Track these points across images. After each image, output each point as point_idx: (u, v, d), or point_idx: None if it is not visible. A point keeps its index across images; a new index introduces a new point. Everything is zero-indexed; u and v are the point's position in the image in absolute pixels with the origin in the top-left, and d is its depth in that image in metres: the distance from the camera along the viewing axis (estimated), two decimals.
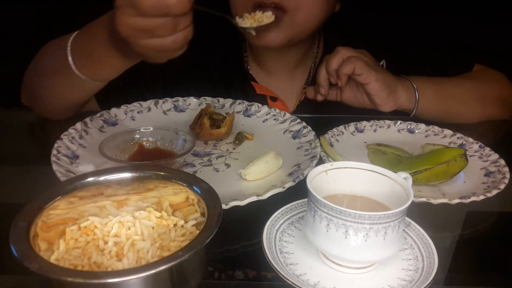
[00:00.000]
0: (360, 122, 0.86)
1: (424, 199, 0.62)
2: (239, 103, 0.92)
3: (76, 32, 0.74)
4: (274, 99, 0.99)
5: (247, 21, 0.80)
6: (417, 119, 0.88)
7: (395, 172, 0.52)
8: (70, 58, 0.72)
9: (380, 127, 0.86)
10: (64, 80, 0.76)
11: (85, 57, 0.72)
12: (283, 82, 1.02)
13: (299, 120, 0.84)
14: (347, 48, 0.84)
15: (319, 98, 0.90)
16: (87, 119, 0.81)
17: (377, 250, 0.47)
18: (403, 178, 0.51)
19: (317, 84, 0.89)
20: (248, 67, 1.02)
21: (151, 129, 0.74)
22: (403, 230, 0.52)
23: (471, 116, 0.94)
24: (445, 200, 0.62)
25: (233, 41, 1.02)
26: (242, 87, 0.99)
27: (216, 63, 1.00)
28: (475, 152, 0.77)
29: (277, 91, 1.00)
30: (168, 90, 0.95)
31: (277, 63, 1.00)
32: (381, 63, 0.98)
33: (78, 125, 0.78)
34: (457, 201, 0.62)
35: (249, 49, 1.02)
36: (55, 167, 0.66)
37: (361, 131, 0.85)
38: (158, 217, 0.51)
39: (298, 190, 0.62)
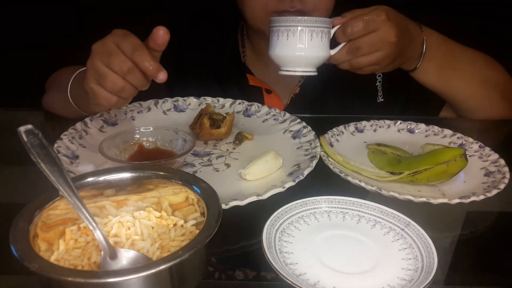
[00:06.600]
0: (360, 122, 0.86)
1: (424, 199, 0.62)
2: (239, 103, 0.92)
3: (79, 71, 0.81)
4: (268, 91, 1.01)
5: None
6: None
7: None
8: (68, 95, 0.82)
9: (380, 127, 0.86)
10: (70, 109, 0.84)
11: (77, 96, 0.80)
12: (279, 76, 1.04)
13: (299, 120, 0.84)
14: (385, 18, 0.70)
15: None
16: (87, 119, 0.81)
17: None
18: None
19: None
20: (246, 61, 1.03)
21: (151, 129, 0.74)
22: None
23: (471, 97, 0.89)
24: (445, 200, 0.62)
25: (231, 35, 1.03)
26: (237, 79, 1.00)
27: (212, 56, 1.02)
28: (475, 152, 0.77)
29: (272, 84, 1.01)
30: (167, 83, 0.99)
31: None
32: None
33: (78, 125, 0.79)
34: (457, 201, 0.62)
35: (247, 43, 1.04)
36: None
37: (361, 131, 0.85)
38: (158, 217, 0.51)
39: (298, 190, 0.62)
